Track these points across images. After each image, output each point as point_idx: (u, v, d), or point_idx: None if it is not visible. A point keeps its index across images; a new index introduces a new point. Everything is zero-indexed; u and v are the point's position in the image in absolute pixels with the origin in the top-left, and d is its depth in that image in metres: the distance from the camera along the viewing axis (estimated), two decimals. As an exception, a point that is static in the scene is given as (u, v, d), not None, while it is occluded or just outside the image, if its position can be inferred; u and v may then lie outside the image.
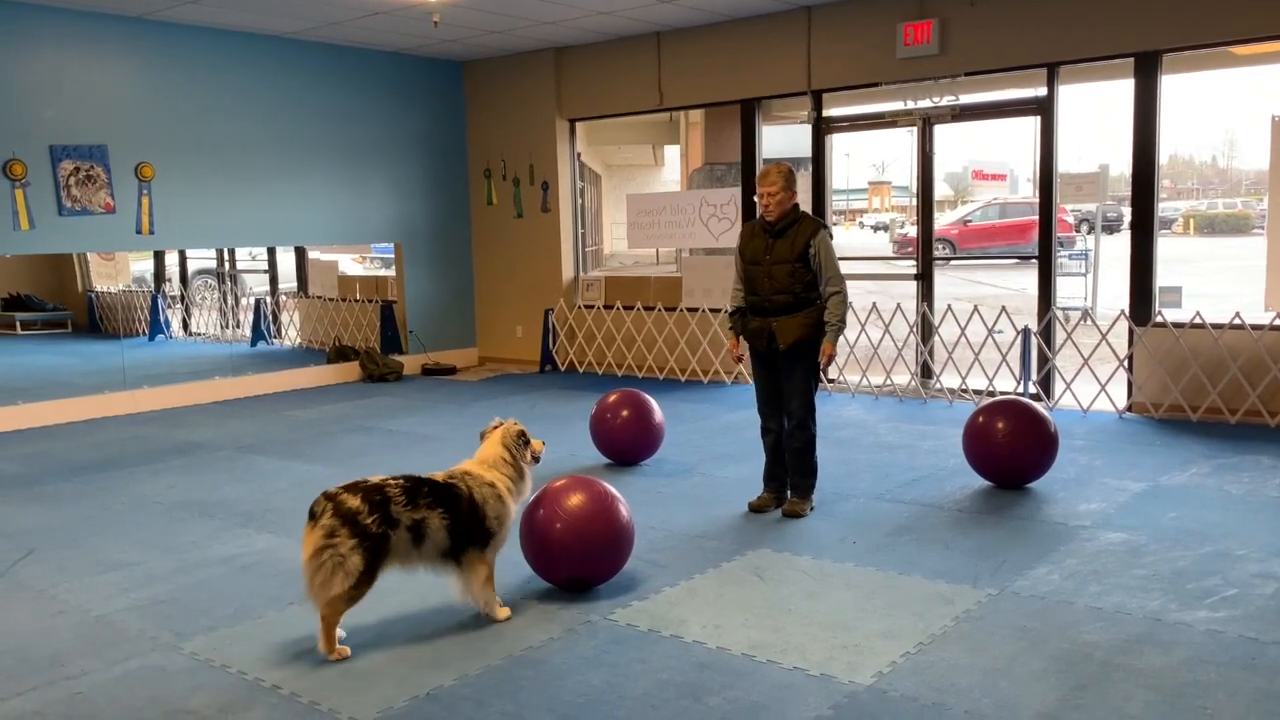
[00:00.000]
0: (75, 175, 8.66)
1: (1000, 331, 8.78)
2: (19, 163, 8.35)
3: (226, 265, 12.23)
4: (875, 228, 36.36)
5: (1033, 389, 8.47)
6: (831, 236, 5.52)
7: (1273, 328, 7.49)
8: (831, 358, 5.49)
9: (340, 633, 3.86)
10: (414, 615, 4.21)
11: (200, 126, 9.47)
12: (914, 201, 9.90)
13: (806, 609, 4.21)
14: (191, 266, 12.05)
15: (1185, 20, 7.57)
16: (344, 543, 3.70)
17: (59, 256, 11.36)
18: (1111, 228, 19.93)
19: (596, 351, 10.99)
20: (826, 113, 9.50)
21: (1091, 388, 8.15)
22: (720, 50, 9.83)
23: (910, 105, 8.94)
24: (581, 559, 4.32)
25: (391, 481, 3.89)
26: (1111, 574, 4.52)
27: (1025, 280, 15.19)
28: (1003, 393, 8.35)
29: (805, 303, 5.38)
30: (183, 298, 11.98)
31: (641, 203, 11.11)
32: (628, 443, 6.67)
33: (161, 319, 11.73)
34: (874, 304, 9.22)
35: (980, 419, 5.94)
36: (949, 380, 8.94)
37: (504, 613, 4.14)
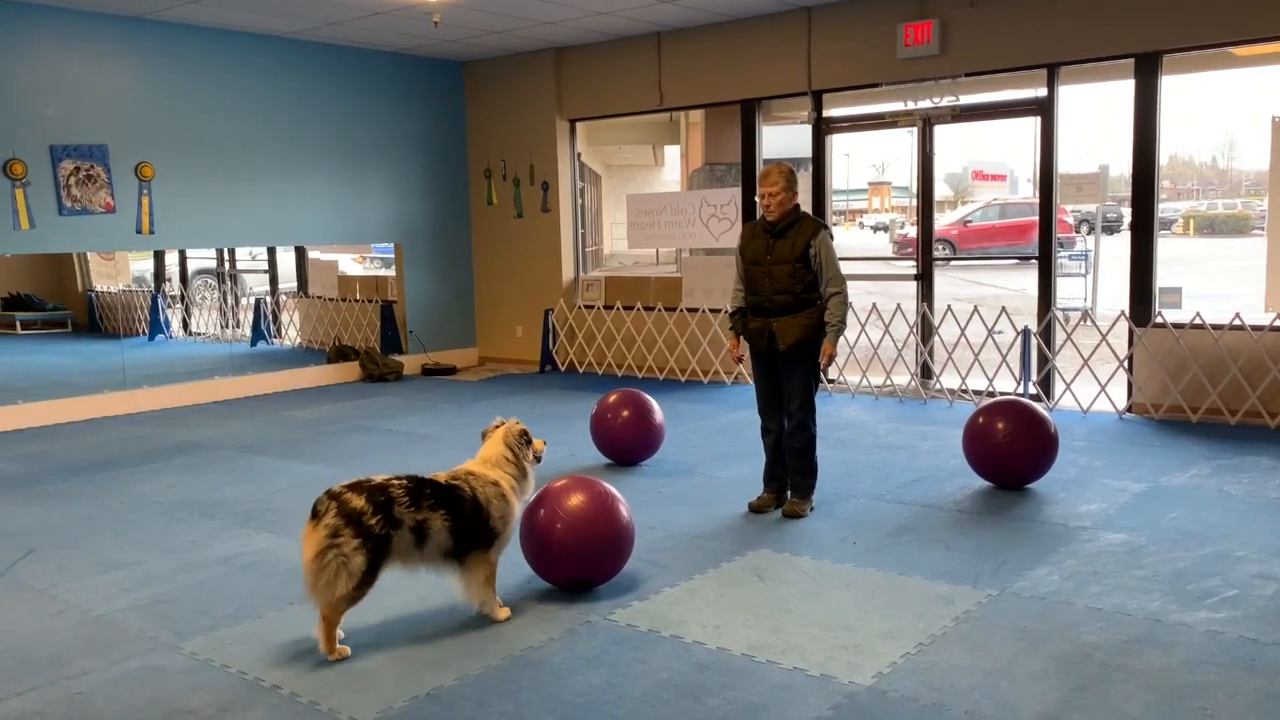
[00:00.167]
0: (75, 175, 8.66)
1: (1000, 332, 8.78)
2: (19, 162, 8.35)
3: (226, 265, 12.22)
4: (875, 228, 36.36)
5: (1033, 389, 8.47)
6: (832, 237, 5.52)
7: (1273, 329, 7.49)
8: (832, 358, 5.49)
9: (339, 633, 3.85)
10: (414, 615, 4.21)
11: (200, 126, 9.47)
12: (914, 202, 9.89)
13: (806, 609, 4.21)
14: (191, 266, 12.05)
15: (1185, 21, 7.57)
16: (348, 543, 3.69)
17: (59, 256, 11.36)
18: (1111, 228, 19.94)
19: (596, 352, 10.99)
20: (827, 113, 9.50)
21: (1091, 388, 8.15)
22: (720, 50, 9.83)
23: (910, 106, 8.94)
24: (582, 559, 4.32)
25: (395, 482, 3.88)
26: (1111, 575, 4.52)
27: (1025, 281, 15.19)
28: (1003, 393, 8.35)
29: (806, 303, 5.38)
30: (183, 297, 11.98)
31: (642, 203, 11.11)
32: (628, 443, 6.67)
33: (161, 319, 11.73)
34: (874, 304, 9.22)
35: (980, 419, 5.94)
36: (949, 381, 8.94)
37: (504, 613, 4.14)
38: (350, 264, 13.52)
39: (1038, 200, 8.77)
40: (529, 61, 11.07)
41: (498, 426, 4.29)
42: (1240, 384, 7.52)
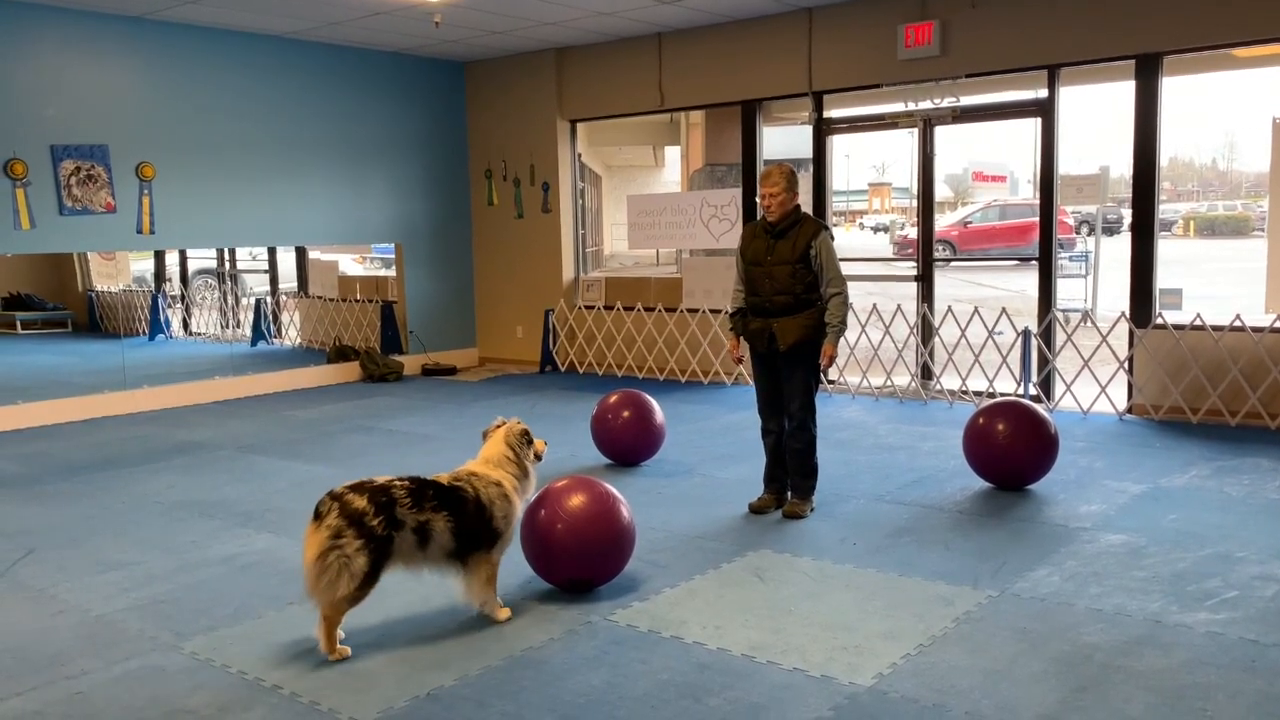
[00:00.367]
0: (76, 175, 8.66)
1: (1000, 333, 8.78)
2: (20, 162, 8.35)
3: (227, 265, 12.23)
4: (875, 229, 36.36)
5: (1033, 390, 8.47)
6: (833, 238, 5.53)
7: (1273, 330, 7.50)
8: (832, 359, 5.48)
9: (340, 633, 3.85)
10: (415, 616, 4.21)
11: (201, 126, 9.47)
12: (914, 203, 9.90)
13: (807, 610, 4.21)
14: (192, 266, 12.05)
15: (1186, 22, 7.57)
16: (350, 544, 3.69)
17: (59, 256, 11.35)
18: (1112, 229, 19.94)
19: (597, 352, 10.99)
20: (827, 114, 9.50)
21: (1092, 389, 8.15)
22: (721, 51, 9.83)
23: (911, 107, 8.94)
24: (582, 560, 4.32)
25: (397, 483, 3.88)
26: (1112, 576, 4.52)
27: (1025, 282, 15.19)
28: (1003, 394, 8.35)
29: (806, 304, 5.38)
30: (183, 297, 11.98)
31: (642, 203, 11.11)
32: (628, 443, 6.67)
33: (162, 319, 11.73)
34: (874, 305, 9.22)
35: (980, 420, 5.94)
36: (949, 382, 8.94)
37: (504, 613, 4.14)
38: (350, 264, 13.52)
39: (1038, 201, 8.77)
40: (530, 62, 11.08)
41: (499, 426, 4.30)
42: (1240, 385, 7.52)
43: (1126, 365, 8.12)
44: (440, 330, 11.69)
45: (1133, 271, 8.15)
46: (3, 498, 6.32)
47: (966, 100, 8.73)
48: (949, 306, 9.05)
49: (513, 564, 4.42)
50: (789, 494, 5.66)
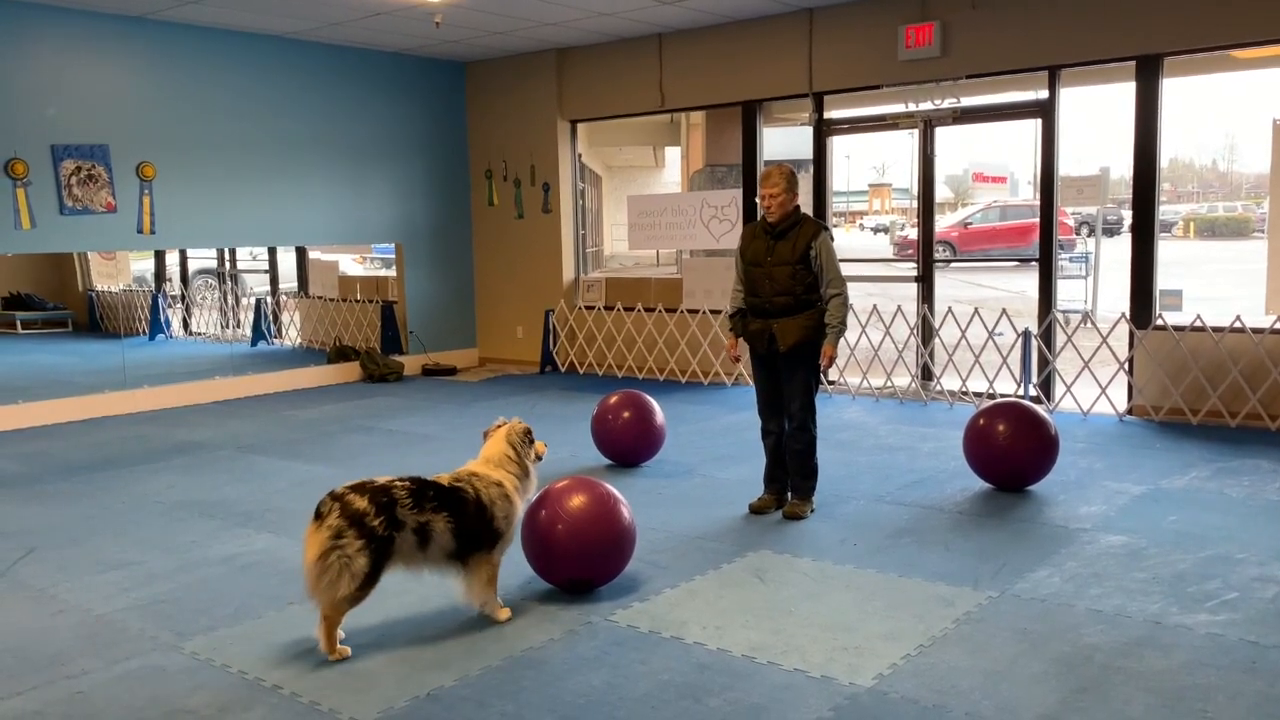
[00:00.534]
0: (76, 174, 8.66)
1: (1001, 334, 8.78)
2: (20, 162, 8.35)
3: (227, 265, 12.23)
4: (876, 230, 36.37)
5: (1033, 391, 8.47)
6: (832, 238, 5.53)
7: (1273, 331, 7.50)
8: (832, 360, 5.49)
9: (340, 633, 3.85)
10: (415, 616, 4.21)
11: (201, 126, 9.47)
12: (914, 204, 9.90)
13: (807, 610, 4.21)
14: (192, 266, 12.05)
15: (1186, 24, 7.57)
16: (351, 544, 3.69)
17: (59, 255, 11.35)
18: (1112, 231, 19.94)
19: (597, 353, 10.99)
20: (827, 115, 9.50)
21: (1092, 390, 8.15)
22: (722, 52, 9.84)
23: (911, 107, 8.94)
24: (583, 560, 4.32)
25: (398, 483, 3.88)
26: (1112, 577, 4.52)
27: (1026, 283, 15.19)
28: (1003, 395, 8.35)
29: (806, 304, 5.38)
30: (183, 297, 11.98)
31: (642, 204, 11.11)
32: (629, 444, 6.67)
33: (162, 318, 11.73)
34: (874, 306, 9.22)
35: (981, 421, 5.94)
36: (949, 382, 8.94)
37: (505, 614, 4.14)
38: (351, 264, 13.53)
39: (1038, 202, 8.77)
40: (530, 62, 11.08)
41: (500, 426, 4.30)
42: (1240, 386, 7.53)
43: (1127, 366, 8.12)
44: (440, 330, 11.69)
45: (1133, 273, 8.15)
46: (3, 497, 6.32)
47: (967, 101, 8.73)
48: (949, 307, 9.06)
49: (513, 564, 4.42)
50: (789, 495, 5.66)
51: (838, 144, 9.90)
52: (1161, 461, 6.60)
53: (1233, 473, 6.25)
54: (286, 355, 11.74)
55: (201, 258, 12.11)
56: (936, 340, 9.07)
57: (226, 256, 12.20)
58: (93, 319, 11.80)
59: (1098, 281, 13.04)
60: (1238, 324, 7.60)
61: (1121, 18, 7.82)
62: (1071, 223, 18.48)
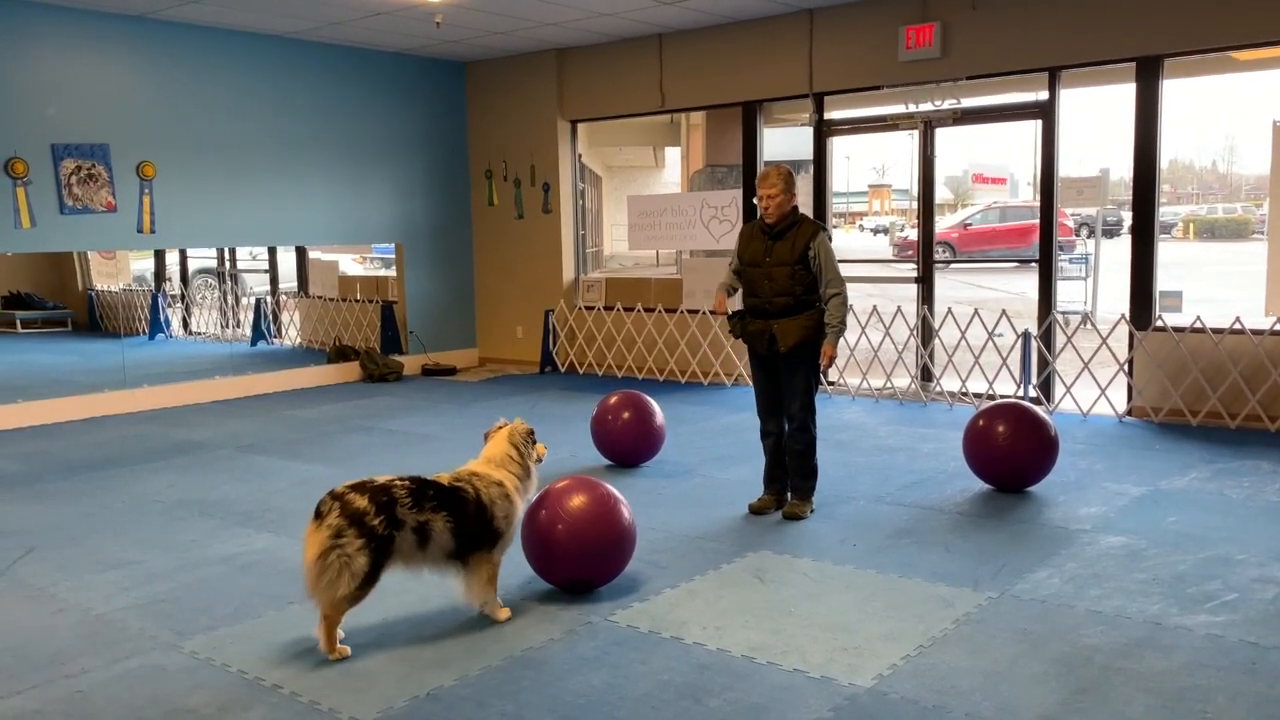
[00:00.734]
0: (77, 174, 8.66)
1: (1000, 335, 8.78)
2: (20, 161, 8.35)
3: (227, 264, 12.23)
4: (875, 230, 36.39)
5: (1033, 392, 8.47)
6: (831, 239, 5.54)
7: (1273, 332, 7.50)
8: (832, 360, 5.49)
9: (340, 633, 3.85)
10: (415, 616, 4.21)
11: (202, 126, 9.47)
12: (914, 204, 9.91)
13: (807, 611, 4.21)
14: (192, 266, 12.05)
15: (1186, 25, 7.58)
16: (351, 543, 3.69)
17: (59, 255, 11.36)
18: (1112, 232, 19.97)
19: (597, 353, 11.00)
20: (828, 115, 9.51)
21: (1091, 391, 8.15)
22: (722, 52, 9.84)
23: (911, 108, 8.94)
24: (583, 560, 4.32)
25: (398, 482, 3.89)
26: (1112, 578, 4.52)
27: (1025, 284, 15.20)
28: (1003, 396, 8.35)
29: (805, 305, 5.39)
30: (183, 297, 11.98)
31: (642, 204, 11.12)
32: (629, 444, 6.67)
33: (162, 318, 11.73)
34: (874, 307, 9.22)
35: (980, 422, 5.94)
36: (949, 383, 8.94)
37: (504, 613, 4.14)
38: (351, 264, 13.53)
39: (1038, 203, 8.78)
40: (531, 62, 11.08)
41: (501, 427, 4.30)
42: (1240, 388, 7.53)
43: (1126, 367, 8.12)
44: (440, 330, 11.69)
45: (1133, 274, 8.16)
46: (3, 497, 6.32)
47: (967, 102, 8.73)
48: (949, 308, 9.06)
49: (513, 564, 4.42)
50: (789, 495, 5.66)
51: (838, 145, 9.91)
52: (1161, 462, 6.60)
53: (1232, 474, 6.25)
54: (286, 355, 11.74)
55: (201, 257, 12.11)
56: (936, 341, 9.08)
57: (226, 256, 12.21)
58: (93, 318, 11.80)
59: (1097, 282, 13.05)
60: (1237, 325, 7.60)
61: (1122, 19, 7.82)
62: (1071, 224, 18.50)
